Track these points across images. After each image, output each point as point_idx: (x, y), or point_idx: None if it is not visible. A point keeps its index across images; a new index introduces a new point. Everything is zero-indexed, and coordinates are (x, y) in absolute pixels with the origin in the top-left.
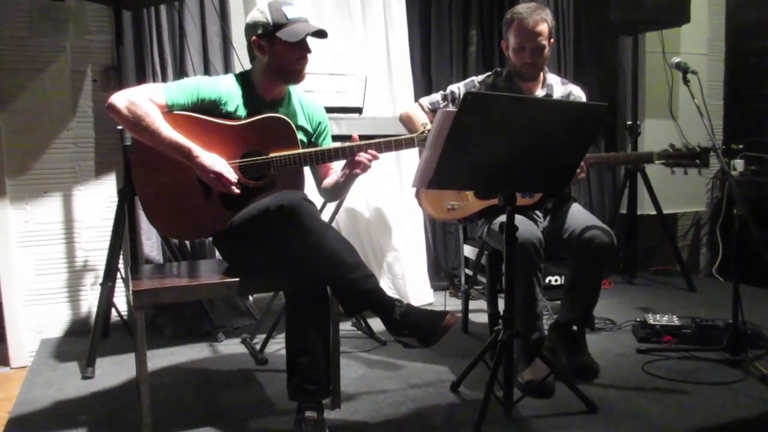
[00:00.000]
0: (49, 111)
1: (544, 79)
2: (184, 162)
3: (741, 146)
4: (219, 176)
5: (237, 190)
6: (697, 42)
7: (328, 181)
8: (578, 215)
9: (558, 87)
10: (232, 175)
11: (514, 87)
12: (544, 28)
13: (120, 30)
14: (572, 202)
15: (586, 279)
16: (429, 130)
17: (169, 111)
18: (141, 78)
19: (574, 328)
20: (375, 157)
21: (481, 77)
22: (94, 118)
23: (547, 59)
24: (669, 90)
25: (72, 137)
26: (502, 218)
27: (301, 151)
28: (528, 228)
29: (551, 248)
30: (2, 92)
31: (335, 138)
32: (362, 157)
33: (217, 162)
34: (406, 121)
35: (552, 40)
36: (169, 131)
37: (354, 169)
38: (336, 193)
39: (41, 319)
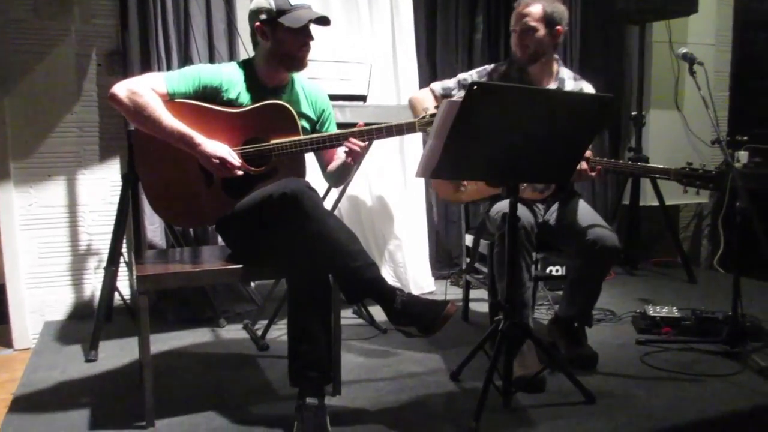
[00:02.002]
0: (54, 95)
1: (557, 71)
2: (187, 150)
3: (745, 138)
4: (222, 161)
5: (240, 173)
6: (705, 32)
7: (332, 166)
8: (586, 213)
9: (570, 82)
10: (235, 159)
11: (526, 77)
12: (533, 10)
13: (125, 14)
14: (578, 198)
15: (588, 279)
16: (431, 115)
17: (170, 99)
18: (145, 63)
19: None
20: (358, 145)
21: (492, 66)
22: (98, 102)
23: (546, 45)
24: (675, 80)
25: (76, 121)
26: (500, 206)
27: (302, 137)
28: (521, 212)
29: (554, 240)
30: (7, 75)
31: (339, 126)
32: (351, 143)
33: (219, 147)
34: (412, 105)
35: (559, 28)
36: (170, 120)
37: (347, 157)
38: (339, 178)
39: (45, 301)
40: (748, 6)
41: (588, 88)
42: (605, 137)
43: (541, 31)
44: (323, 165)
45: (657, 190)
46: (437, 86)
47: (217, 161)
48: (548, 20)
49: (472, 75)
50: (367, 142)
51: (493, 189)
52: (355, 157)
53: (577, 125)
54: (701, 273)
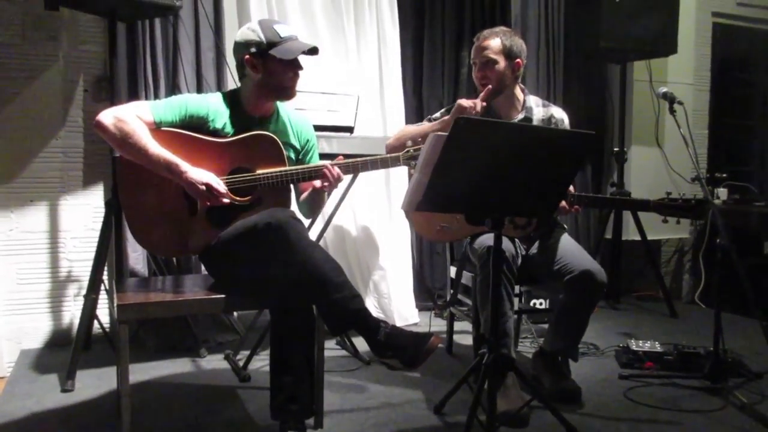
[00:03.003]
0: (39, 119)
1: (523, 101)
2: (172, 178)
3: (724, 175)
4: (209, 188)
5: (227, 200)
6: (684, 72)
7: (305, 195)
8: (571, 248)
9: (538, 109)
10: (221, 186)
11: (492, 110)
12: (492, 43)
13: (114, 41)
14: (563, 232)
15: (575, 313)
16: (415, 149)
17: (156, 128)
18: (133, 90)
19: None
20: (333, 175)
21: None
22: (83, 128)
23: (507, 77)
24: (655, 118)
25: (61, 146)
26: (484, 238)
27: (288, 168)
28: (503, 244)
29: (537, 274)
30: None
31: (325, 156)
32: (328, 170)
33: (205, 175)
34: (394, 143)
35: (519, 60)
36: (156, 148)
37: (322, 183)
38: (311, 208)
39: (22, 328)
40: (725, 47)
41: (558, 113)
42: (588, 172)
43: (501, 64)
44: (297, 194)
45: (639, 225)
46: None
47: (204, 188)
48: (507, 53)
49: (442, 113)
50: (343, 175)
51: (474, 228)
52: (329, 185)
53: (560, 161)
54: (683, 307)
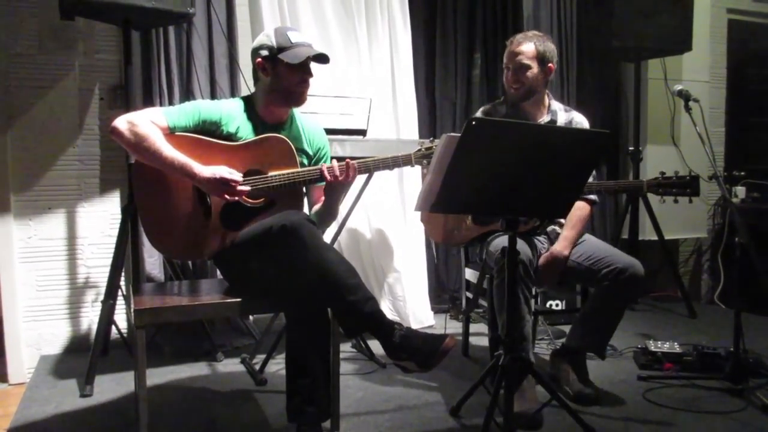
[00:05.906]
0: (56, 128)
1: (549, 104)
2: (187, 180)
3: (742, 173)
4: (225, 181)
5: (247, 188)
6: (699, 69)
7: (317, 207)
8: (601, 245)
9: (561, 114)
10: (236, 176)
11: (520, 113)
12: (526, 48)
13: (128, 50)
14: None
15: (611, 308)
16: (426, 148)
17: (170, 133)
18: (148, 97)
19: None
20: (335, 175)
21: (491, 105)
22: (100, 135)
23: (539, 82)
24: (671, 116)
25: (77, 154)
26: (497, 239)
27: (301, 170)
28: (519, 246)
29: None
30: (10, 109)
31: (338, 160)
32: (328, 170)
33: (218, 169)
34: None
35: (551, 65)
36: (170, 151)
37: (329, 181)
38: (322, 219)
39: (41, 335)
40: (740, 44)
41: (579, 118)
42: (603, 172)
43: (535, 69)
44: (310, 204)
45: (656, 224)
46: None
47: (220, 182)
48: (541, 58)
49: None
50: (348, 176)
51: (482, 228)
52: (335, 185)
53: (574, 161)
54: (702, 308)
